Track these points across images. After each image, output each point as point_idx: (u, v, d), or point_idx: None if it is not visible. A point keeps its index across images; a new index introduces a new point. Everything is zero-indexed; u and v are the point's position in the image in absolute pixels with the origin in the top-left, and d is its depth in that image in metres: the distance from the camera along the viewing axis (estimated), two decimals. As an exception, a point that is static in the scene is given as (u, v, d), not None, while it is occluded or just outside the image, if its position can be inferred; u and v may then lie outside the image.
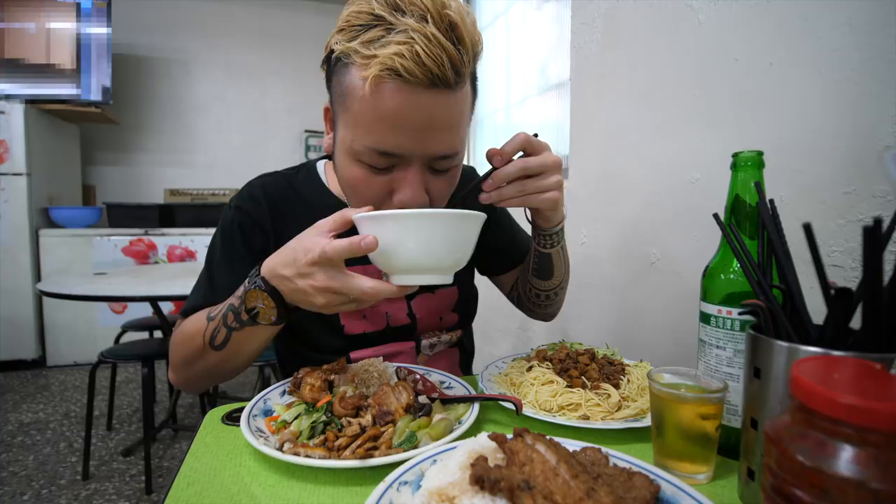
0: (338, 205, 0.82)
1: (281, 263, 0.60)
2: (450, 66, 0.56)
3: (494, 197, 0.64)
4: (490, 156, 0.64)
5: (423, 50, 0.54)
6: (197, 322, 0.70)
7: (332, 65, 0.64)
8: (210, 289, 0.77)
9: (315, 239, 0.57)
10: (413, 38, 0.54)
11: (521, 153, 0.65)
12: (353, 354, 0.80)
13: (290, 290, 0.59)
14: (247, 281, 0.64)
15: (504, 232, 0.96)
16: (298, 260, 0.57)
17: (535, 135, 0.65)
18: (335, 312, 0.60)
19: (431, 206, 0.67)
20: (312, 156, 3.71)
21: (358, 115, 0.60)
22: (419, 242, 0.55)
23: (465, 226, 0.58)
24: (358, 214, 0.57)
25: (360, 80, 0.58)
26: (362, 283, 0.55)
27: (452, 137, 0.63)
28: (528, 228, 0.82)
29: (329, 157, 0.89)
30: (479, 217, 0.59)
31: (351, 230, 0.59)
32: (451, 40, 0.56)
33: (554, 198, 0.67)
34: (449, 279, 0.60)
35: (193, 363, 0.71)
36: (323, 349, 0.80)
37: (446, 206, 0.65)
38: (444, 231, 0.56)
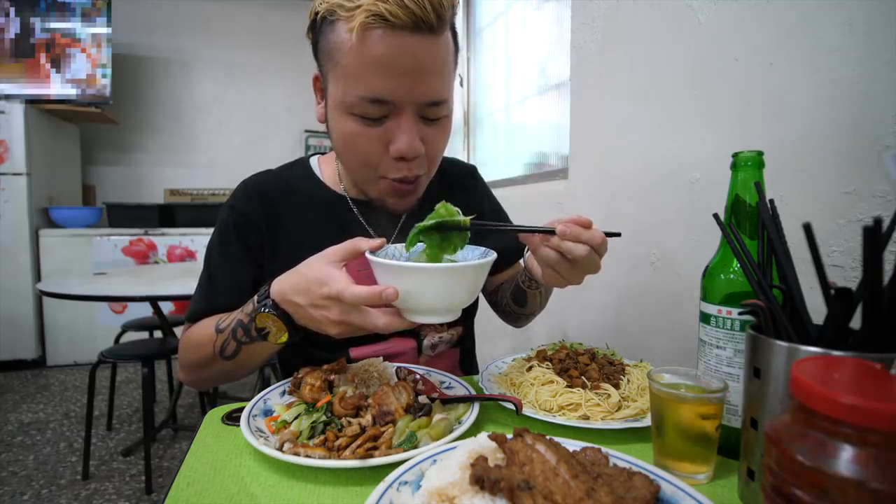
0: (334, 197, 0.83)
1: (292, 290, 0.60)
2: (431, 10, 0.59)
3: (555, 242, 0.60)
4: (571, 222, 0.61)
5: None
6: (206, 330, 0.71)
7: (318, 27, 0.66)
8: (211, 291, 0.78)
9: (328, 270, 0.57)
10: None
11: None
12: (354, 353, 0.79)
13: (302, 316, 0.60)
14: (255, 300, 0.64)
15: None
16: (312, 291, 0.57)
17: (616, 235, 0.63)
18: (345, 337, 0.61)
19: (427, 156, 0.69)
20: (312, 156, 3.72)
21: (347, 67, 0.63)
22: (438, 292, 0.55)
23: (481, 272, 0.58)
24: (375, 258, 0.56)
25: (346, 33, 0.61)
26: (377, 320, 0.56)
27: (440, 83, 0.65)
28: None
29: (322, 152, 0.91)
30: (493, 259, 0.59)
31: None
32: None
33: (564, 286, 0.66)
34: (458, 315, 0.60)
35: (203, 368, 0.73)
36: (321, 342, 0.80)
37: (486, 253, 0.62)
38: (463, 280, 0.56)
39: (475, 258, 0.62)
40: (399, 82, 0.62)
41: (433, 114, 0.67)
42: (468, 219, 0.59)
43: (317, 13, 0.66)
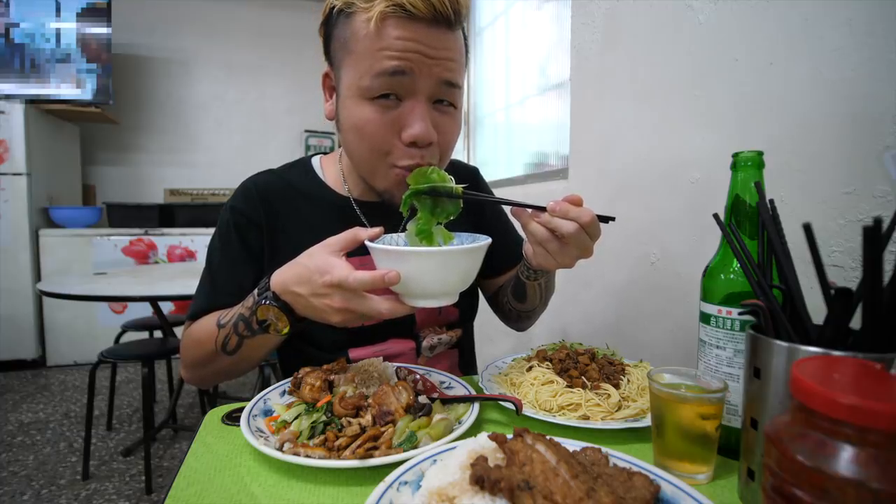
0: (336, 198, 0.83)
1: (293, 280, 0.60)
2: (449, 4, 0.61)
3: (545, 218, 0.60)
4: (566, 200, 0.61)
5: None
6: (207, 327, 0.71)
7: (333, 20, 0.67)
8: (213, 291, 0.78)
9: (329, 259, 0.58)
10: None
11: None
12: (353, 355, 0.79)
13: (304, 306, 0.61)
14: (256, 293, 0.65)
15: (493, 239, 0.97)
16: (314, 280, 0.58)
17: (610, 219, 0.61)
18: (347, 326, 0.61)
19: (440, 146, 0.69)
20: (312, 156, 3.72)
21: (364, 52, 0.63)
22: (436, 275, 0.57)
23: (478, 256, 0.59)
24: (374, 245, 0.57)
25: (364, 23, 0.62)
26: (380, 305, 0.57)
27: (454, 66, 0.66)
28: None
29: (324, 152, 0.91)
30: (488, 243, 0.60)
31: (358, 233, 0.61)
32: None
33: (555, 268, 0.65)
34: (456, 298, 0.61)
35: (206, 365, 0.73)
36: (321, 344, 0.80)
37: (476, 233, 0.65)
38: (459, 264, 0.57)
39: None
40: (416, 58, 0.63)
41: (447, 95, 0.67)
42: (460, 186, 0.61)
43: (332, 7, 0.66)
